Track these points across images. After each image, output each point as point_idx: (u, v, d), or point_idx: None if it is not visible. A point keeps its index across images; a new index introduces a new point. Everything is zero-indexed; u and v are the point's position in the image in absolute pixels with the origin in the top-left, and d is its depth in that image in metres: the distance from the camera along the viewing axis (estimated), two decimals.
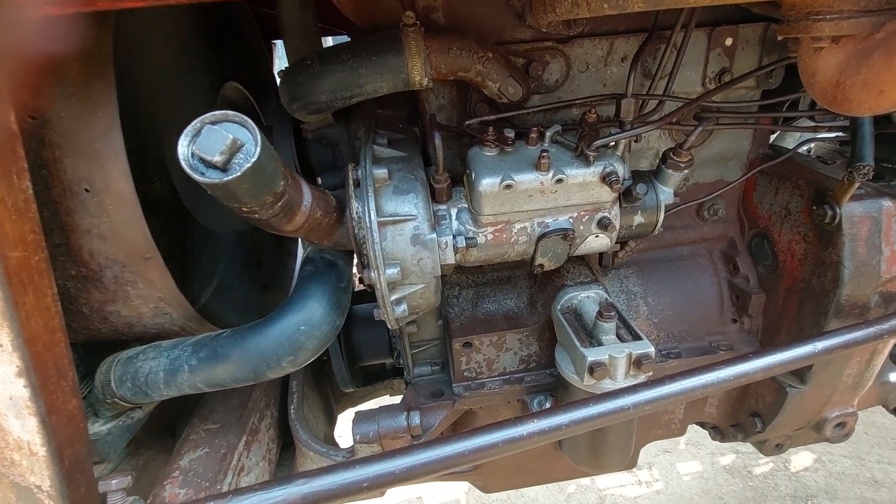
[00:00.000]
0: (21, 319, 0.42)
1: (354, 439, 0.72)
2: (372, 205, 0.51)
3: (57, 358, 0.48)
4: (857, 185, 0.64)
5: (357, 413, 0.76)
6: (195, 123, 0.36)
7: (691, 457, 1.70)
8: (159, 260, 0.52)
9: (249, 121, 0.36)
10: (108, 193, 0.47)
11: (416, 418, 0.74)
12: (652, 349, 0.63)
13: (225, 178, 0.34)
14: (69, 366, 0.50)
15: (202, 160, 0.35)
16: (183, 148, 0.35)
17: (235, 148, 0.35)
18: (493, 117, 0.58)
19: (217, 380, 0.55)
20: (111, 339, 0.60)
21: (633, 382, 0.65)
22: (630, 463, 0.93)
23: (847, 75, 0.50)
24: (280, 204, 0.41)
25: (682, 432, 1.02)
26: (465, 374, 0.79)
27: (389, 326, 0.63)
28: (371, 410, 0.75)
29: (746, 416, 0.93)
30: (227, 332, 0.55)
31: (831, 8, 0.47)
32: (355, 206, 0.53)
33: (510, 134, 0.57)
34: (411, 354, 0.81)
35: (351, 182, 0.54)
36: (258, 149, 0.35)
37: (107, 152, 0.46)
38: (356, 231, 0.54)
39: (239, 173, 0.35)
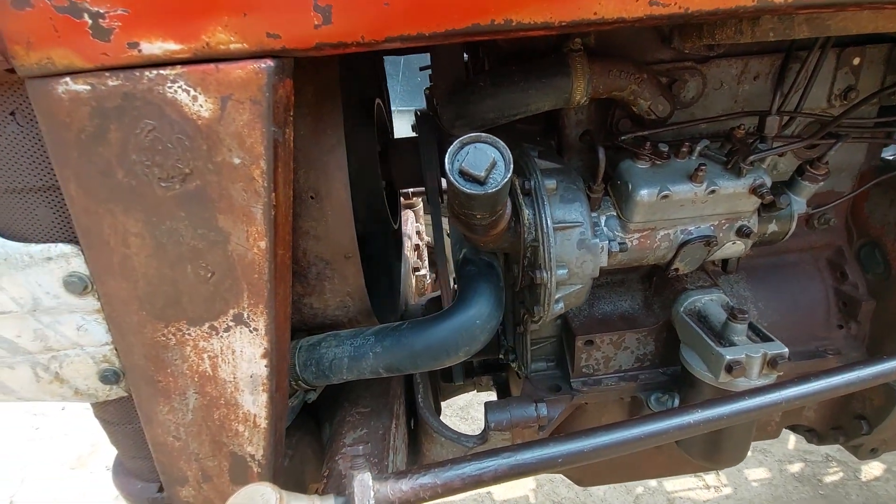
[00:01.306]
0: (275, 308, 0.49)
1: (489, 426, 0.78)
2: (547, 212, 0.57)
3: (285, 342, 0.55)
4: None
5: (487, 403, 0.82)
6: (456, 143, 0.42)
7: (758, 463, 1.70)
8: (357, 259, 0.59)
9: (500, 142, 0.42)
10: (329, 200, 0.54)
11: (543, 409, 0.79)
12: (786, 350, 0.67)
13: (487, 191, 0.41)
14: (289, 349, 0.57)
15: (465, 174, 0.41)
16: (450, 164, 0.41)
17: (493, 165, 0.41)
18: (646, 132, 0.64)
19: (399, 366, 0.62)
20: (294, 328, 0.67)
21: (766, 382, 0.69)
22: (740, 458, 0.97)
23: None
24: (499, 213, 0.48)
25: (777, 435, 1.04)
26: (584, 370, 0.84)
27: (541, 322, 0.69)
28: (502, 401, 0.81)
29: (850, 420, 0.95)
30: (407, 323, 0.62)
31: None
32: (527, 212, 0.59)
33: (664, 148, 0.62)
34: (531, 351, 0.87)
35: (520, 192, 0.61)
36: (511, 167, 0.41)
37: (332, 165, 0.53)
38: (526, 236, 0.60)
39: (498, 187, 0.41)
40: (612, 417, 0.93)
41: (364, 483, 0.44)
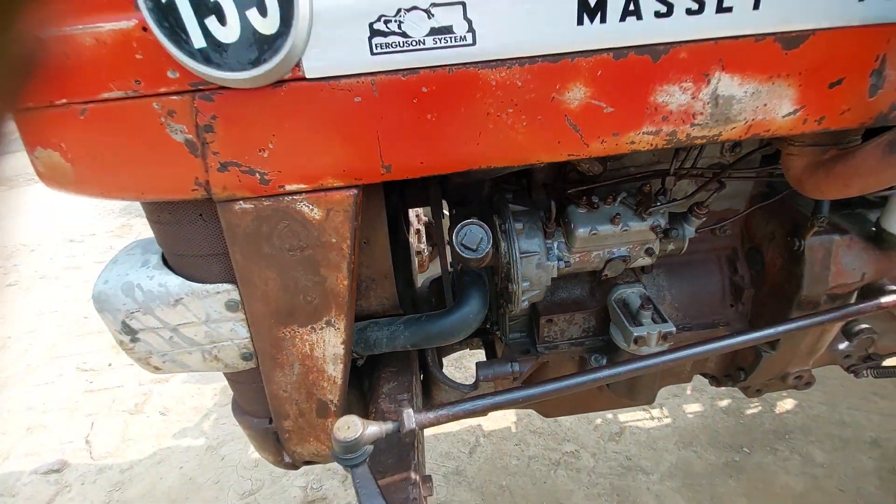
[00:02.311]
0: (348, 315, 0.81)
1: (479, 378, 1.13)
2: (516, 247, 0.88)
3: (352, 332, 0.87)
4: (815, 227, 0.98)
5: (478, 363, 1.16)
6: (459, 226, 0.72)
7: (695, 401, 2.12)
8: (392, 277, 0.90)
9: (485, 225, 0.72)
10: (376, 244, 0.85)
11: (517, 367, 1.14)
12: (673, 329, 1.00)
13: (477, 256, 0.71)
14: (352, 334, 0.90)
15: (464, 246, 0.72)
16: (455, 239, 0.72)
17: (480, 241, 0.71)
18: (585, 188, 0.93)
19: (419, 344, 0.95)
20: None
21: (661, 349, 1.04)
22: (651, 399, 1.34)
23: (806, 175, 0.83)
24: (486, 259, 0.78)
25: (689, 380, 1.41)
26: (546, 339, 1.18)
27: (514, 312, 1.01)
28: (488, 361, 1.16)
29: (735, 370, 1.32)
30: (424, 316, 0.95)
31: (798, 139, 0.80)
32: (503, 245, 0.90)
33: (595, 199, 0.92)
34: (509, 325, 1.20)
35: (499, 230, 0.91)
36: (491, 240, 0.72)
37: (378, 223, 0.83)
38: (503, 260, 0.91)
39: (484, 254, 0.72)
40: (566, 371, 1.29)
41: (408, 413, 0.78)
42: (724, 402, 2.12)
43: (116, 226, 4.81)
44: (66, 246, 4.47)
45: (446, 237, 1.15)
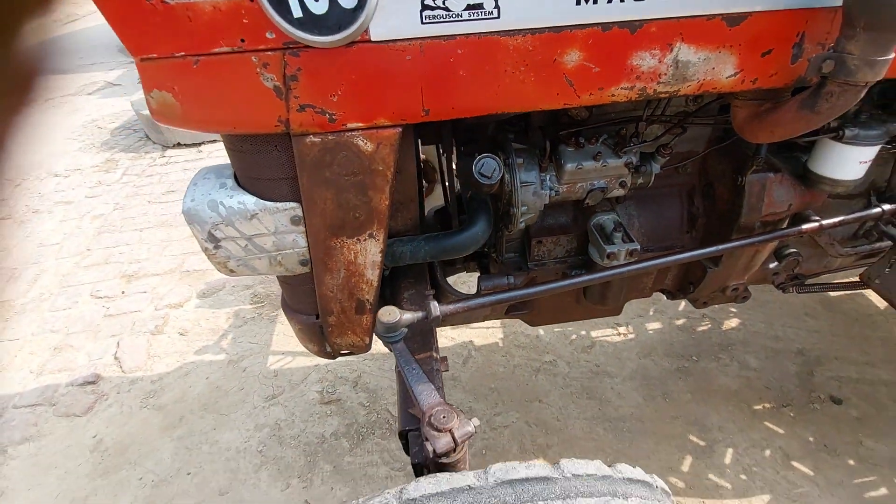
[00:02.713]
0: (385, 230, 1.02)
1: (481, 288, 1.38)
2: (517, 178, 1.10)
3: (386, 245, 1.09)
4: (754, 166, 1.21)
5: (479, 276, 1.41)
6: (478, 158, 0.93)
7: (655, 320, 2.46)
8: (416, 201, 1.11)
9: (497, 157, 0.93)
10: (406, 173, 1.05)
11: (511, 279, 1.39)
12: (638, 247, 1.24)
13: (491, 182, 0.92)
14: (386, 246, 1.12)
15: (482, 174, 0.92)
16: (474, 168, 0.92)
17: (493, 170, 0.92)
18: (574, 130, 1.14)
19: (437, 256, 1.17)
20: None
21: (628, 262, 1.29)
22: (618, 310, 1.64)
23: (745, 123, 1.05)
24: (496, 185, 1.00)
25: (649, 294, 1.69)
26: (536, 257, 1.43)
27: (512, 231, 1.24)
28: (488, 275, 1.41)
29: (686, 284, 1.61)
30: (441, 234, 1.17)
31: (740, 95, 1.01)
32: (507, 177, 1.11)
33: (582, 140, 1.13)
34: (505, 246, 1.44)
35: (503, 165, 1.12)
36: (502, 170, 0.93)
37: (408, 157, 1.03)
38: (507, 189, 1.13)
39: (496, 182, 0.93)
40: None
41: (434, 304, 1.02)
42: (680, 321, 2.47)
43: (101, 161, 4.78)
44: (52, 181, 4.46)
45: (454, 170, 1.36)
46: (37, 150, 5.10)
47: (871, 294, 2.54)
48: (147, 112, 4.72)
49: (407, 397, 0.99)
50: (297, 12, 0.68)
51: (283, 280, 1.17)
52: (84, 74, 7.47)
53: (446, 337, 2.43)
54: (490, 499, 0.70)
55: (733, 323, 2.45)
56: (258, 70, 0.75)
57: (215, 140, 4.92)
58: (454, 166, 1.27)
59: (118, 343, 2.55)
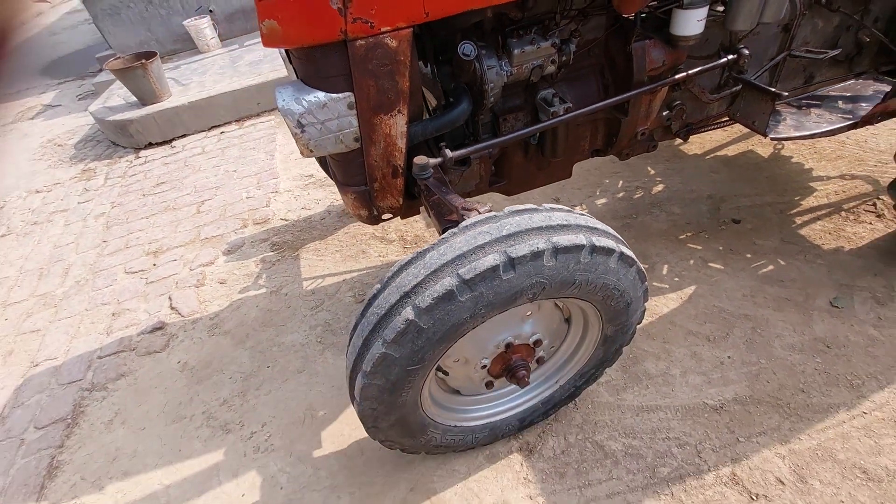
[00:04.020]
0: (408, 103, 1.55)
1: (470, 157, 1.95)
2: (484, 63, 1.65)
3: (408, 117, 1.63)
4: (635, 36, 1.82)
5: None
6: (461, 43, 1.47)
7: (602, 197, 3.12)
8: (420, 91, 1.66)
9: (474, 42, 1.48)
10: (412, 68, 1.58)
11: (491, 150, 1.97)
12: (571, 104, 1.84)
13: (470, 58, 1.48)
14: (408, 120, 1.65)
15: (464, 53, 1.47)
16: (458, 49, 1.47)
17: (472, 50, 1.48)
18: (514, 27, 1.69)
19: (439, 129, 1.72)
20: None
21: (566, 113, 1.89)
22: (569, 173, 2.26)
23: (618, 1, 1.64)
24: (472, 69, 1.55)
25: (588, 155, 2.31)
26: (503, 132, 2.01)
27: (486, 108, 1.80)
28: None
29: (610, 139, 2.23)
30: (438, 114, 1.72)
31: None
32: (476, 66, 1.67)
33: (521, 32, 1.69)
34: (481, 128, 2.00)
35: (481, 54, 1.67)
36: (477, 51, 1.49)
37: (413, 53, 1.56)
38: (478, 73, 1.68)
39: (473, 57, 1.48)
40: (517, 154, 2.14)
41: (447, 151, 1.59)
42: (620, 195, 3.14)
43: (77, 172, 5.00)
44: (36, 197, 4.67)
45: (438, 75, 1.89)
46: (6, 174, 5.25)
47: (756, 149, 3.30)
48: (113, 118, 4.94)
49: (442, 211, 1.56)
50: None
51: (341, 158, 1.70)
52: (16, 102, 7.45)
53: None
54: (506, 217, 1.29)
55: (659, 188, 3.15)
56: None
57: (184, 135, 5.20)
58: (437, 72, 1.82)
59: (170, 297, 2.99)
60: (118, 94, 5.57)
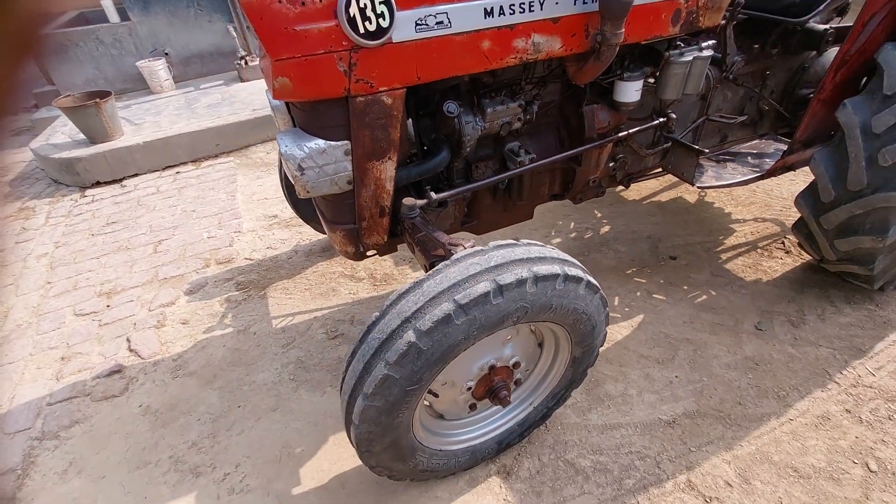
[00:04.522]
0: (398, 151, 1.73)
1: (447, 201, 2.15)
2: (462, 119, 1.89)
3: (396, 164, 1.81)
4: (586, 101, 2.15)
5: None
6: (446, 102, 1.70)
7: (557, 237, 3.42)
8: (407, 142, 1.85)
9: (455, 103, 1.71)
10: (403, 121, 1.78)
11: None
12: (535, 155, 2.12)
13: (453, 115, 1.71)
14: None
15: (448, 111, 1.70)
16: (444, 107, 1.69)
17: (454, 109, 1.71)
18: (487, 89, 1.96)
19: (422, 174, 1.91)
20: None
21: (530, 163, 2.16)
22: (531, 215, 2.52)
23: (573, 73, 1.96)
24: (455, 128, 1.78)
25: (548, 199, 2.58)
26: (475, 178, 2.24)
27: (461, 157, 2.03)
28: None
29: (567, 185, 2.53)
30: (420, 160, 1.91)
31: (567, 58, 1.92)
32: (456, 121, 1.90)
33: (493, 94, 1.96)
34: (455, 173, 2.22)
35: (460, 112, 1.90)
36: (459, 109, 1.72)
37: (404, 108, 1.76)
38: (457, 127, 1.91)
39: (456, 115, 1.71)
40: (486, 198, 2.38)
41: (431, 194, 1.78)
42: (573, 235, 3.46)
43: (14, 210, 4.73)
44: None
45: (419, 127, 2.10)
46: None
47: (684, 195, 3.78)
48: (58, 156, 4.77)
49: (428, 247, 1.73)
50: (360, 30, 1.41)
51: (332, 199, 1.83)
52: None
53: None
54: (491, 251, 1.48)
55: (606, 228, 3.50)
56: (336, 62, 1.46)
57: (136, 174, 5.09)
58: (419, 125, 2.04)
59: (128, 339, 2.88)
60: (62, 131, 5.40)
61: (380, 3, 1.38)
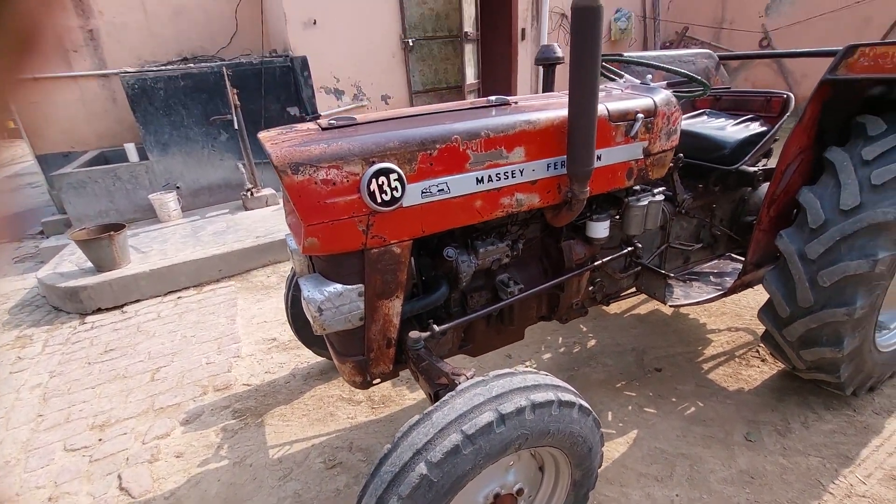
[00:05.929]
0: (404, 290, 1.98)
1: (446, 331, 2.36)
2: (459, 259, 2.19)
3: (403, 300, 2.04)
4: (563, 237, 2.51)
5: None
6: (446, 248, 2.00)
7: (547, 353, 3.59)
8: (411, 281, 2.12)
9: (455, 249, 2.02)
10: (409, 266, 2.06)
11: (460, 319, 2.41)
12: (523, 286, 2.40)
13: (452, 259, 2.00)
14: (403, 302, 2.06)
15: (448, 255, 2.00)
16: (444, 252, 1.99)
17: (454, 255, 2.01)
18: (479, 234, 2.30)
19: (423, 307, 2.15)
20: None
21: (520, 293, 2.42)
22: (521, 335, 2.74)
23: (551, 218, 2.33)
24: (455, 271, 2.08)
25: (537, 320, 2.83)
26: (470, 307, 2.48)
27: (458, 289, 2.29)
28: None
29: (553, 308, 2.79)
30: (422, 296, 2.17)
31: (545, 209, 2.30)
32: (454, 262, 2.20)
33: (485, 237, 2.29)
34: (452, 301, 2.47)
35: (457, 253, 2.20)
36: (458, 254, 2.02)
37: (410, 255, 2.06)
38: (455, 266, 2.20)
39: (454, 259, 2.01)
40: (481, 325, 2.60)
41: (434, 327, 2.00)
42: (562, 349, 3.65)
43: (11, 339, 4.78)
44: None
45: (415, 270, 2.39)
46: None
47: (661, 308, 4.07)
48: (64, 284, 4.96)
49: (432, 376, 1.91)
50: (378, 201, 1.74)
51: (344, 334, 2.03)
52: None
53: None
54: (492, 381, 1.66)
55: (592, 342, 3.71)
56: (357, 224, 1.77)
57: (138, 300, 5.26)
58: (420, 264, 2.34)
59: (119, 476, 2.81)
60: (70, 259, 5.64)
61: (394, 180, 1.73)
